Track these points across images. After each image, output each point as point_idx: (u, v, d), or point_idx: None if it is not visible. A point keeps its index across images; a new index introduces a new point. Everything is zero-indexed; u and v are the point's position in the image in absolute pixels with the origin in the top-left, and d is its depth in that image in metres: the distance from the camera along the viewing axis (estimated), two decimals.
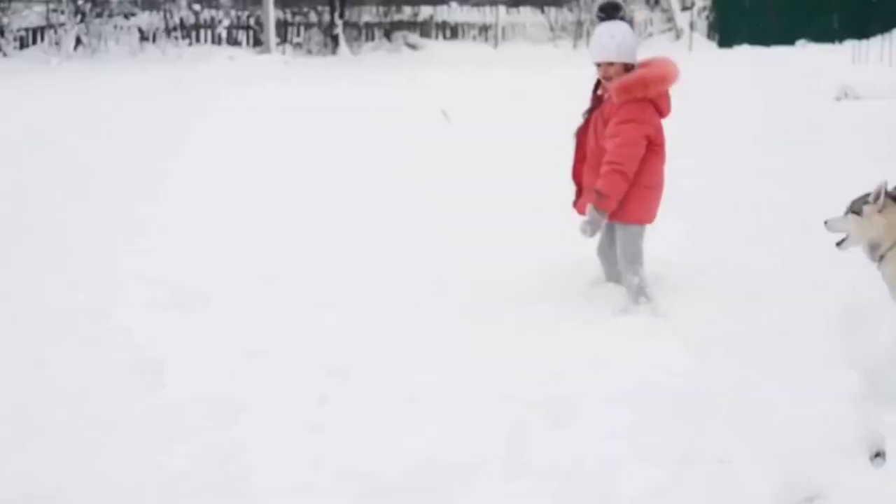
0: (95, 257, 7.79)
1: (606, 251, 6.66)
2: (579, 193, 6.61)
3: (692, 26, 34.28)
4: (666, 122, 6.48)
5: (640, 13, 35.51)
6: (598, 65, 6.37)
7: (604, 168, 6.23)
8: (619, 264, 6.53)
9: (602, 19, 6.45)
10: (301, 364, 5.49)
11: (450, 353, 5.61)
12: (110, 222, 8.99)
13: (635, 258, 6.43)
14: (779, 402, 4.84)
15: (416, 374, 5.31)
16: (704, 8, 35.77)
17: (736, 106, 16.48)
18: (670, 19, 34.97)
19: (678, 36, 34.20)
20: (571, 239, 6.53)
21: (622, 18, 6.45)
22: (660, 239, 6.77)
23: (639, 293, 6.38)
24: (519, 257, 7.42)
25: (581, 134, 6.57)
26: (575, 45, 31.75)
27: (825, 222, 5.54)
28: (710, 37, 35.07)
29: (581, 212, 6.51)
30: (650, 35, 34.37)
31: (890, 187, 5.32)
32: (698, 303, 6.22)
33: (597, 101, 6.56)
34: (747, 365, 5.30)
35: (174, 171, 11.63)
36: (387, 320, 6.23)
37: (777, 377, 5.14)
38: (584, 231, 6.30)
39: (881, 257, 5.28)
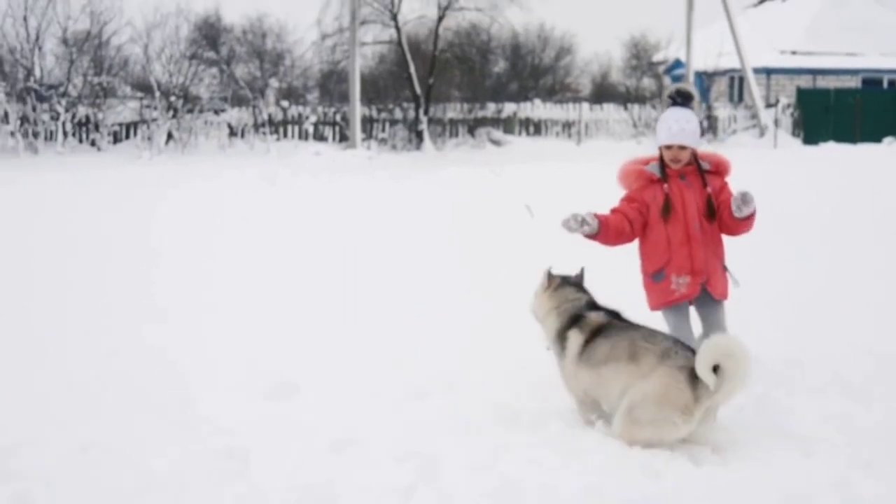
0: (187, 344, 7.89)
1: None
2: (709, 279, 6.54)
3: (776, 123, 34.18)
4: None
5: (723, 110, 35.55)
6: (669, 147, 6.50)
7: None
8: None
9: (676, 104, 6.62)
10: (390, 454, 5.46)
11: (542, 445, 5.54)
12: (201, 310, 9.12)
13: None
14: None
15: (506, 468, 5.25)
16: (789, 105, 35.68)
17: (820, 203, 16.30)
18: (754, 116, 34.89)
19: (762, 133, 34.10)
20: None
21: (691, 107, 6.66)
22: (751, 331, 6.67)
23: None
24: None
25: (686, 222, 6.52)
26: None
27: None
28: (794, 134, 34.94)
29: (719, 294, 6.57)
30: (734, 132, 34.33)
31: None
32: (798, 398, 6.10)
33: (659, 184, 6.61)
34: (849, 465, 5.18)
35: (262, 260, 11.79)
36: (475, 412, 6.18)
37: (879, 478, 5.02)
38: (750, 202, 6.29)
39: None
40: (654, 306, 6.63)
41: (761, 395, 6.27)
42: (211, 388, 6.73)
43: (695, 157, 6.58)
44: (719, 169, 6.65)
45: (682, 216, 6.49)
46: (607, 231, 6.43)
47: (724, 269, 6.64)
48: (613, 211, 6.58)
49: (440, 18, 34.56)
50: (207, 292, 9.97)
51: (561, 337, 5.98)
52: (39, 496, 4.99)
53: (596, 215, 6.40)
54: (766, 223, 12.71)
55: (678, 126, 6.48)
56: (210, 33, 38.98)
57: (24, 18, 30.76)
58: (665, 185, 6.52)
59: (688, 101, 6.66)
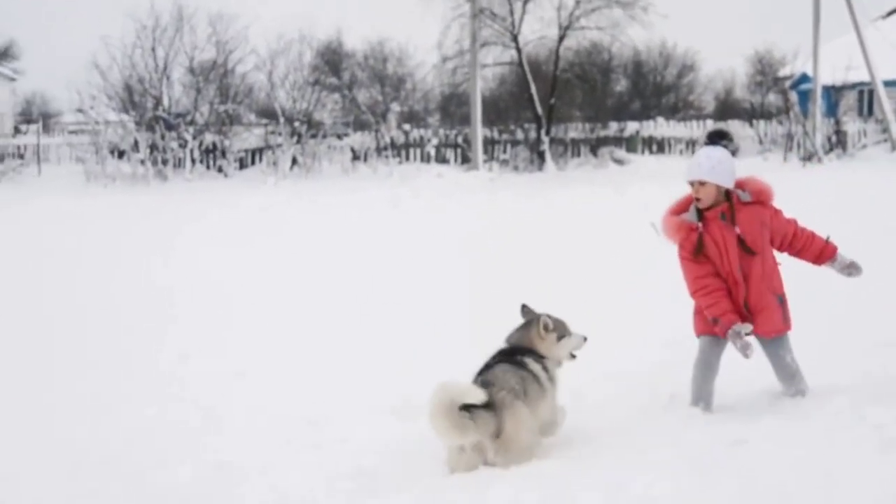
0: (315, 367, 7.95)
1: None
2: (751, 316, 6.35)
3: None
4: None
5: (852, 125, 34.73)
6: (692, 184, 6.38)
7: (819, 239, 6.48)
8: (788, 378, 6.43)
9: (710, 144, 6.54)
10: (518, 473, 5.40)
11: None
12: (328, 334, 9.19)
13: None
14: None
15: None
16: None
17: None
18: (885, 130, 33.96)
19: (894, 147, 33.18)
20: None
21: (725, 147, 6.50)
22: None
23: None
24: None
25: (730, 264, 6.37)
26: (785, 158, 31.15)
27: None
28: None
29: (765, 333, 6.36)
30: (864, 146, 33.47)
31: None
32: None
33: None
34: None
35: (383, 279, 11.85)
36: (605, 457, 6.03)
37: None
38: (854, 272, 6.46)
39: None
40: (698, 333, 6.52)
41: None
42: (338, 409, 6.76)
43: (727, 195, 6.39)
44: (761, 197, 6.45)
45: (725, 259, 6.37)
46: (742, 314, 6.34)
47: (781, 303, 6.41)
48: (718, 293, 6.36)
49: (561, 38, 34.40)
50: (339, 313, 10.05)
51: None
52: None
53: (734, 319, 6.26)
54: None
55: (695, 161, 6.41)
56: (332, 59, 39.61)
57: (153, 49, 31.71)
58: (699, 225, 6.41)
59: (720, 139, 6.54)
